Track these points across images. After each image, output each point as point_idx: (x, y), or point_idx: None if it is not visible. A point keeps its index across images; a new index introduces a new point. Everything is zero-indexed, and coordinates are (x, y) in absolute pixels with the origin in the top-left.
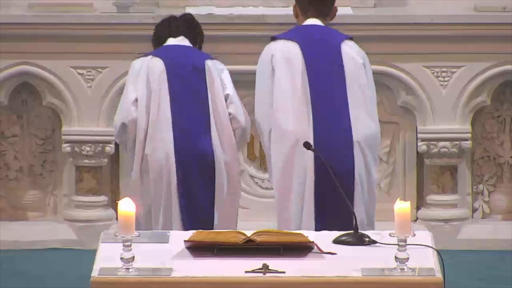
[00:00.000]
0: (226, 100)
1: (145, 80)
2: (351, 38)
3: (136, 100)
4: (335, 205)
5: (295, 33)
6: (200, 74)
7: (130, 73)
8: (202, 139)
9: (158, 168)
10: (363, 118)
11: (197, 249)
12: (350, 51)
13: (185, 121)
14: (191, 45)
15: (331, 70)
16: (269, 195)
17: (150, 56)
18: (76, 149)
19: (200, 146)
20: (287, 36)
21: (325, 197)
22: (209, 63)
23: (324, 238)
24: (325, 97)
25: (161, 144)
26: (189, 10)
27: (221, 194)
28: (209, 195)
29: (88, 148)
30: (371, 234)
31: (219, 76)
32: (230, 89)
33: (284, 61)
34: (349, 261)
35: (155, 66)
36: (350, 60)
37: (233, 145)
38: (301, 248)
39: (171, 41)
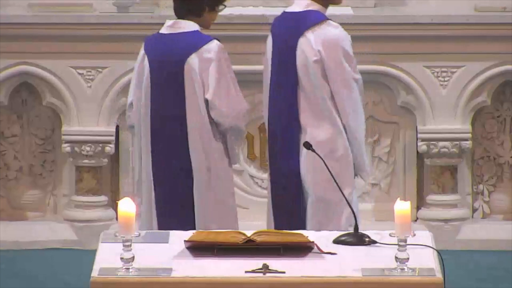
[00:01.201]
0: (207, 105)
1: (135, 83)
2: (325, 20)
3: (132, 104)
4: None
5: (274, 22)
6: (177, 80)
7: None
8: (179, 155)
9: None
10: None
11: (197, 249)
12: (306, 46)
13: (163, 136)
14: (184, 29)
15: (285, 68)
16: None
17: (143, 51)
18: (76, 149)
19: (176, 165)
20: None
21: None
22: (190, 60)
23: (324, 238)
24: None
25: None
26: None
27: (200, 201)
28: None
29: (88, 148)
30: (371, 234)
31: (201, 75)
32: (210, 91)
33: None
34: (349, 261)
35: (145, 68)
36: (302, 57)
37: (219, 152)
38: (301, 248)
39: (164, 28)
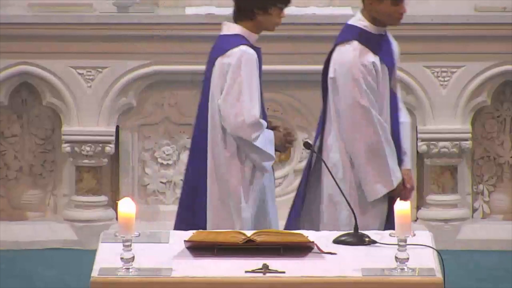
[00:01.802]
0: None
1: None
2: (351, 40)
3: None
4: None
5: None
6: (207, 82)
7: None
8: (198, 156)
9: None
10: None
11: (197, 249)
12: (331, 62)
13: (193, 134)
14: (227, 31)
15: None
16: None
17: None
18: (76, 149)
19: (194, 165)
20: None
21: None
22: (217, 64)
23: (324, 238)
24: None
25: None
26: (189, 10)
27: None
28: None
29: (88, 148)
30: (371, 234)
31: (220, 79)
32: (222, 96)
33: None
34: (349, 261)
35: None
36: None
37: (226, 158)
38: (301, 248)
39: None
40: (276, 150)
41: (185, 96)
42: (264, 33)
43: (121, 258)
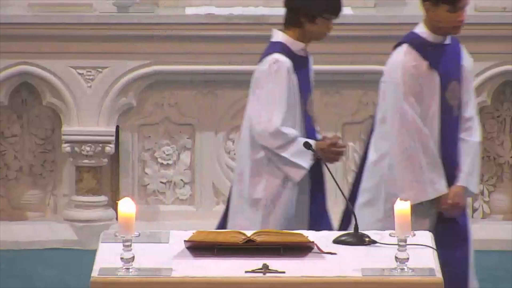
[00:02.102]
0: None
1: None
2: (403, 43)
3: None
4: None
5: None
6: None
7: None
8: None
9: None
10: None
11: (197, 249)
12: (386, 63)
13: None
14: (272, 38)
15: None
16: None
17: None
18: (76, 149)
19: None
20: None
21: None
22: (256, 69)
23: (324, 238)
24: None
25: None
26: (189, 10)
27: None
28: None
29: (88, 148)
30: (371, 234)
31: (253, 86)
32: (249, 103)
33: None
34: (349, 261)
35: None
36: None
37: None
38: (301, 248)
39: None
40: (325, 161)
41: (185, 96)
42: (263, 33)
43: (121, 258)
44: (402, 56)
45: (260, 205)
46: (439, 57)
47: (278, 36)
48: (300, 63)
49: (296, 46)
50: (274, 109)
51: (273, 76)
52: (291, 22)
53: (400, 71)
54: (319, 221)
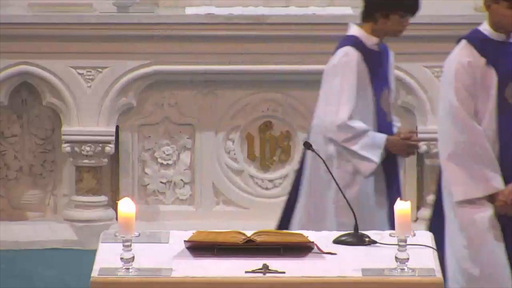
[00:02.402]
0: None
1: None
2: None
3: None
4: None
5: None
6: None
7: None
8: None
9: None
10: None
11: (197, 249)
12: None
13: None
14: (348, 33)
15: None
16: (269, 195)
17: None
18: (76, 149)
19: None
20: None
21: None
22: (327, 63)
23: (324, 238)
24: None
25: None
26: (189, 10)
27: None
28: None
29: (88, 148)
30: (371, 234)
31: (323, 80)
32: (320, 96)
33: None
34: (349, 261)
35: None
36: None
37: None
38: (301, 248)
39: None
40: (398, 154)
41: (185, 96)
42: (263, 33)
43: (121, 258)
44: (458, 52)
45: (331, 200)
46: (499, 55)
47: (353, 30)
48: (373, 58)
49: (370, 40)
50: (342, 102)
51: (342, 69)
52: (366, 17)
53: (454, 66)
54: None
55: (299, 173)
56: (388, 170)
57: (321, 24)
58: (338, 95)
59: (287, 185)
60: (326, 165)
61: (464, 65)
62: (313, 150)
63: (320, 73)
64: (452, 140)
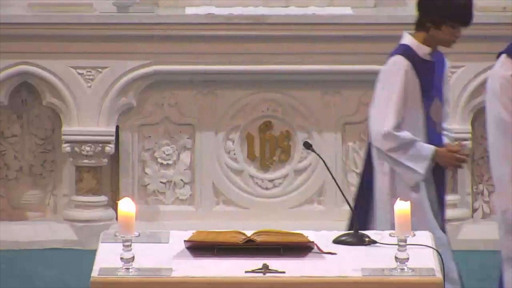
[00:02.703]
0: None
1: None
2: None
3: None
4: None
5: None
6: None
7: None
8: None
9: None
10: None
11: (197, 249)
12: None
13: None
14: (401, 41)
15: None
16: (269, 195)
17: None
18: (76, 149)
19: None
20: None
21: None
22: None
23: (324, 238)
24: None
25: None
26: (189, 10)
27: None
28: None
29: (88, 148)
30: (371, 234)
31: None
32: (373, 102)
33: None
34: (349, 261)
35: None
36: None
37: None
38: (301, 248)
39: None
40: (445, 166)
41: (185, 96)
42: (263, 33)
43: (121, 258)
44: (499, 67)
45: (380, 208)
46: None
47: (406, 38)
48: (424, 67)
49: (421, 49)
50: (388, 111)
51: (389, 78)
52: (419, 26)
53: (498, 81)
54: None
55: (366, 176)
56: (436, 179)
57: (321, 24)
58: (385, 105)
59: (287, 185)
60: (326, 164)
61: (508, 78)
62: (313, 150)
63: (320, 73)
64: (501, 152)
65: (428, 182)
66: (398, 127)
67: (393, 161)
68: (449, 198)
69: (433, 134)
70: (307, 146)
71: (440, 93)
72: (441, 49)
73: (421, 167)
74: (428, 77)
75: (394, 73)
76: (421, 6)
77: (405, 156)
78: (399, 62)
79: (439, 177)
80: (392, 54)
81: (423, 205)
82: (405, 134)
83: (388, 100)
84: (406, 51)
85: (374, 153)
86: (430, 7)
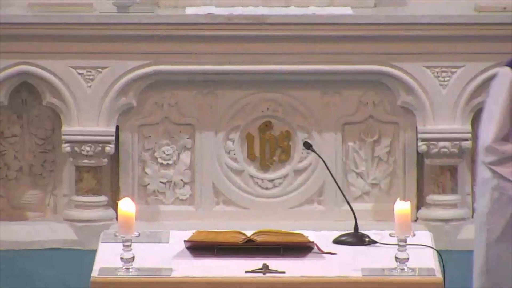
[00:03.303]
0: None
1: None
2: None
3: None
4: None
5: None
6: None
7: None
8: None
9: None
10: None
11: (197, 249)
12: None
13: None
14: None
15: None
16: (268, 195)
17: None
18: (76, 149)
19: None
20: None
21: None
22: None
23: (324, 238)
24: None
25: None
26: (189, 10)
27: None
28: None
29: (88, 148)
30: (371, 234)
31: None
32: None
33: None
34: (349, 261)
35: None
36: None
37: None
38: (301, 248)
39: None
40: None
41: (185, 96)
42: (263, 33)
43: (121, 258)
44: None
45: (477, 214)
46: None
47: None
48: None
49: None
50: (492, 124)
51: (494, 90)
52: None
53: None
54: None
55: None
56: None
57: (321, 24)
58: (490, 117)
59: (287, 185)
60: (326, 164)
61: None
62: (313, 150)
63: (320, 73)
64: None
65: None
66: (501, 140)
67: (493, 173)
68: (449, 198)
69: None
70: (307, 146)
71: None
72: (444, 49)
73: None
74: None
75: (498, 85)
76: None
77: (508, 170)
78: (503, 74)
79: None
80: (501, 65)
81: (503, 220)
82: (508, 147)
83: (492, 113)
84: None
85: (480, 165)
86: None
